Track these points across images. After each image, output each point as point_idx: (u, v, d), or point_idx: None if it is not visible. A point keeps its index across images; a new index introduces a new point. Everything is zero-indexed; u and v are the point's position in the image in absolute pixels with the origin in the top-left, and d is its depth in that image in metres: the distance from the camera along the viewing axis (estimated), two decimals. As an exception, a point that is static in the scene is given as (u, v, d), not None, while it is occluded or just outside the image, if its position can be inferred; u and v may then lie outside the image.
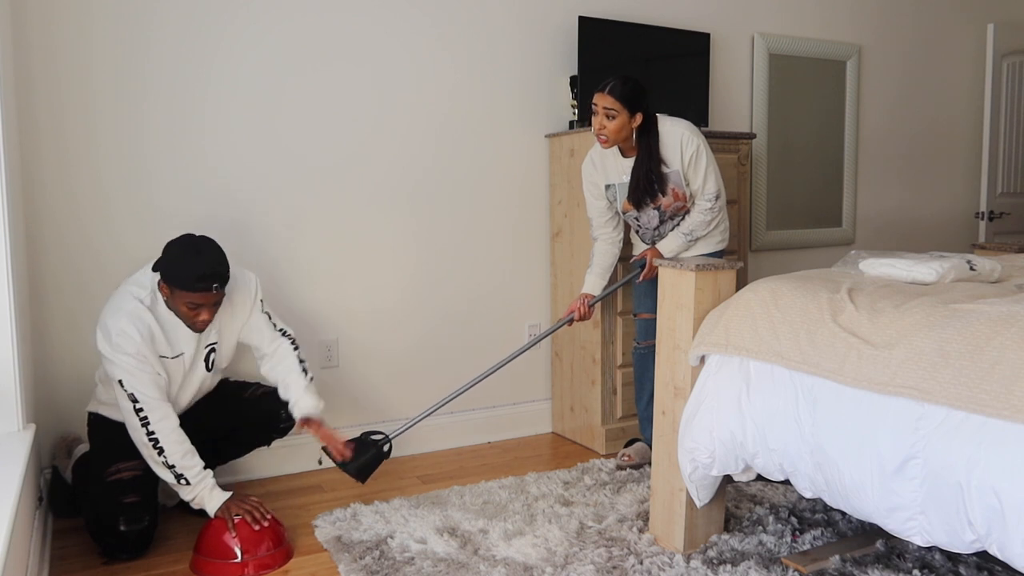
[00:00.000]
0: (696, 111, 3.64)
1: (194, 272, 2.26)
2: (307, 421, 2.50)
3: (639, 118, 2.70)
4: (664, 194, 2.78)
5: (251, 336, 2.58)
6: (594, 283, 2.96)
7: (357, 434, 2.57)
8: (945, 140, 4.81)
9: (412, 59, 3.19)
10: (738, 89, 4.01)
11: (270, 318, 2.59)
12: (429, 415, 2.72)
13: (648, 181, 2.74)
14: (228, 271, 2.35)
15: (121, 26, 2.71)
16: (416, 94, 3.21)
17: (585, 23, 3.32)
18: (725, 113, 3.96)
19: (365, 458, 2.51)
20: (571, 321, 2.93)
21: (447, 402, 2.75)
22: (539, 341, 2.93)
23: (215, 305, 2.36)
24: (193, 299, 2.29)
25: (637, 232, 3.00)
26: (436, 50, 3.24)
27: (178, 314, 2.36)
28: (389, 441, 2.56)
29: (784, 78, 4.12)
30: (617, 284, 3.01)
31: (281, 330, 2.60)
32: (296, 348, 2.58)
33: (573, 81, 3.42)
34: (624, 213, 2.92)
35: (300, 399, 2.51)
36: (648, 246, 2.94)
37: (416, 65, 3.20)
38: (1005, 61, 4.73)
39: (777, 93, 4.11)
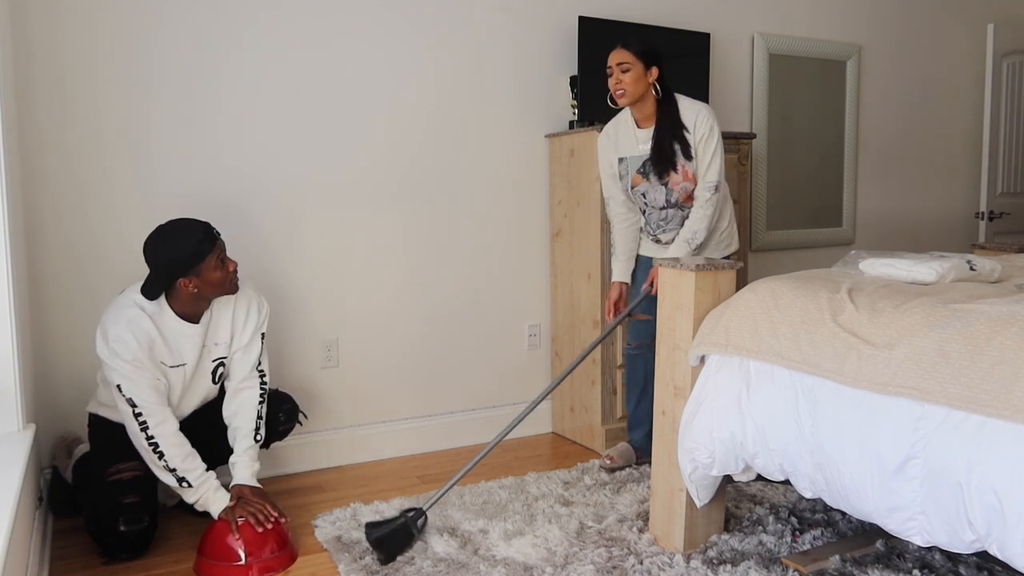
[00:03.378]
0: (696, 111, 3.64)
1: (194, 240, 2.28)
2: (239, 488, 2.39)
3: (655, 72, 2.71)
4: (676, 169, 2.76)
5: (237, 361, 2.51)
6: (622, 269, 2.95)
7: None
8: (945, 140, 4.81)
9: (412, 59, 3.19)
10: (738, 89, 4.01)
11: (261, 352, 2.54)
12: (463, 476, 2.53)
13: (671, 143, 2.73)
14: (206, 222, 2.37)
15: (124, 25, 2.71)
16: (415, 94, 3.21)
17: (585, 23, 3.32)
18: (725, 113, 3.95)
19: (389, 530, 2.31)
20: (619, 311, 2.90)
21: (482, 457, 2.59)
22: (600, 342, 2.83)
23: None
24: (215, 257, 2.30)
25: (643, 212, 2.93)
26: (436, 50, 3.24)
27: (217, 290, 2.35)
28: (424, 515, 2.39)
29: (784, 78, 4.12)
30: (635, 303, 2.87)
31: (261, 371, 2.54)
32: (263, 401, 2.51)
33: (573, 81, 3.42)
34: (632, 188, 2.87)
35: (238, 464, 2.44)
36: (652, 239, 2.91)
37: (416, 65, 3.20)
38: (1005, 61, 4.72)
39: (777, 93, 4.11)
